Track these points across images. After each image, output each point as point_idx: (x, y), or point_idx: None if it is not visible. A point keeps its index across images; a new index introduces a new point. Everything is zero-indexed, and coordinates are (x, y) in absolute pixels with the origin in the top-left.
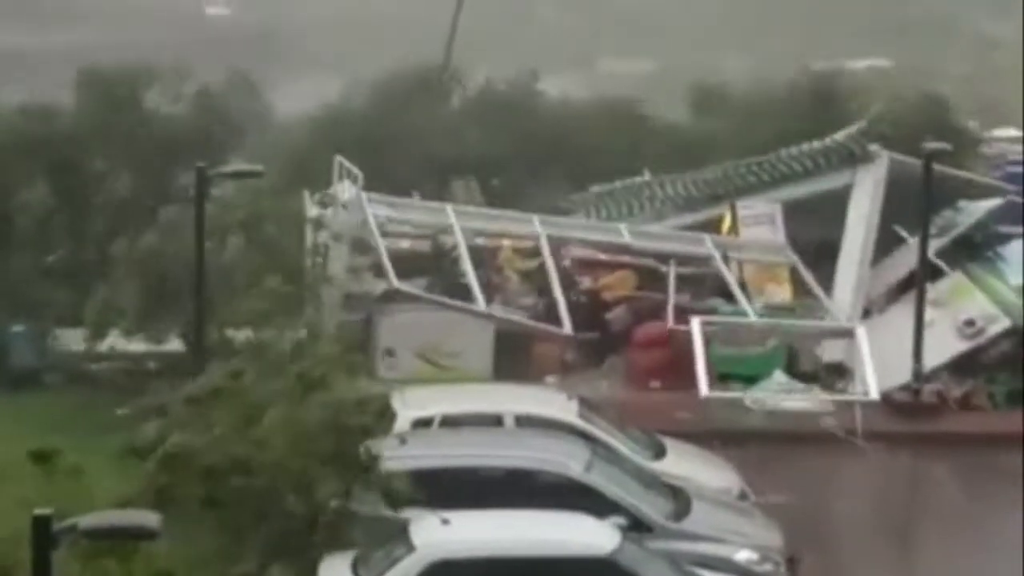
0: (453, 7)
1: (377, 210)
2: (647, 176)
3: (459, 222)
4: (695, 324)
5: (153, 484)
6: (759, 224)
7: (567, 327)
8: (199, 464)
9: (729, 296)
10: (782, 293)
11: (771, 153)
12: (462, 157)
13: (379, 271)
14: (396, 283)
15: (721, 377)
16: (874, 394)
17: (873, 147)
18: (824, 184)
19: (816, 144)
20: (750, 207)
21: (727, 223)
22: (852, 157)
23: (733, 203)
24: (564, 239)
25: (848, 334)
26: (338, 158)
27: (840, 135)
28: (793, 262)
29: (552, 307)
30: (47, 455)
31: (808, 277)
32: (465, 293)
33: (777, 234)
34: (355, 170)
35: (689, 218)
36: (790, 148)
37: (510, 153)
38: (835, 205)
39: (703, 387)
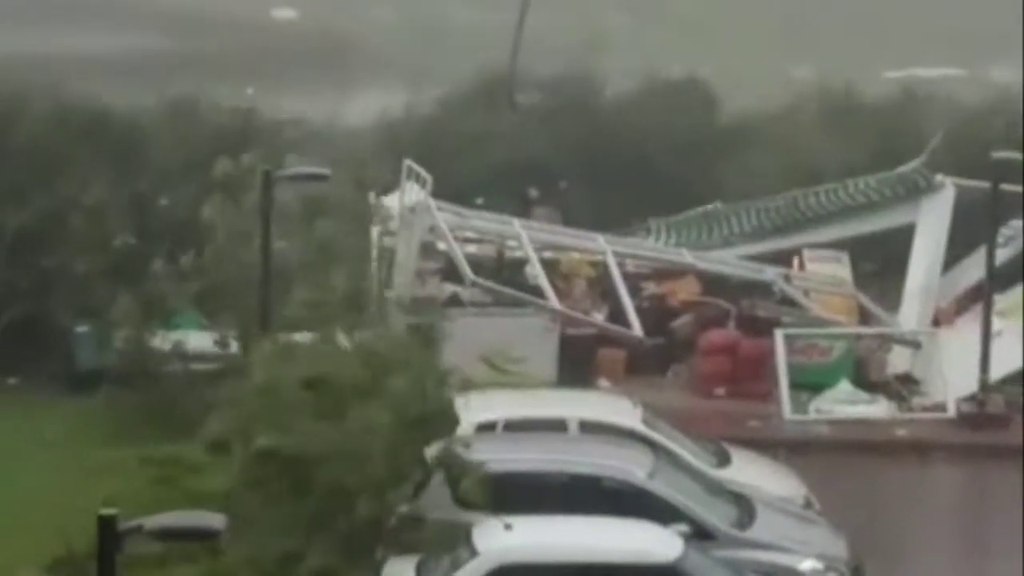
0: (519, 12)
1: (444, 218)
2: (718, 205)
3: (524, 234)
4: (778, 337)
5: (247, 478)
6: (825, 262)
7: (637, 330)
8: (291, 458)
9: (792, 307)
10: (848, 317)
11: (837, 182)
12: (526, 164)
13: (446, 275)
14: (472, 276)
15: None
16: (951, 411)
17: (938, 177)
18: (890, 217)
19: (882, 175)
20: (816, 250)
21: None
22: (917, 188)
23: (800, 249)
24: (627, 256)
25: (916, 344)
26: (407, 161)
27: (905, 167)
28: (851, 293)
29: (618, 313)
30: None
31: (873, 307)
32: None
33: (843, 272)
34: (424, 173)
35: (756, 248)
36: (856, 179)
37: (575, 160)
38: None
39: (786, 409)
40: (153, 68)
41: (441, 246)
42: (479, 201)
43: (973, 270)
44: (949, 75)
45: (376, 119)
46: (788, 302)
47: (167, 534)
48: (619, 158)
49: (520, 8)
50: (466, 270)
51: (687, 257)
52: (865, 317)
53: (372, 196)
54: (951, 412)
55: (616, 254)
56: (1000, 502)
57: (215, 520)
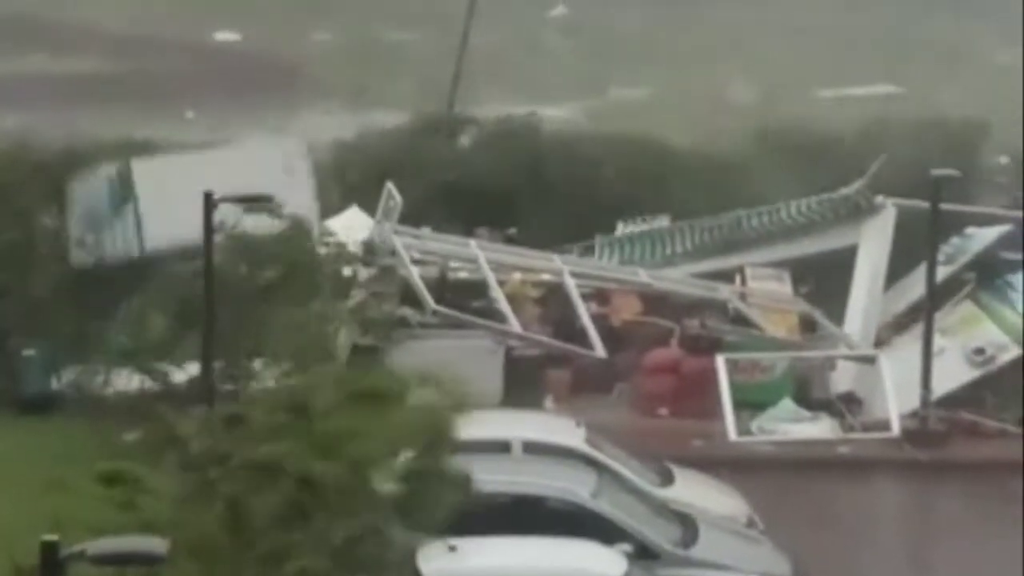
0: (460, 35)
1: (401, 240)
2: (665, 221)
3: (482, 256)
4: (720, 362)
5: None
6: (766, 280)
7: (600, 350)
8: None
9: (736, 324)
10: (792, 331)
11: (779, 203)
12: (471, 192)
13: (402, 299)
14: (434, 305)
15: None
16: (895, 430)
17: (879, 199)
18: (832, 238)
19: (823, 197)
20: (757, 268)
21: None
22: (859, 209)
23: (742, 267)
24: (583, 276)
25: (870, 360)
26: (388, 184)
27: (847, 189)
28: (805, 310)
29: (566, 334)
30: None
31: (821, 319)
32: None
33: (784, 290)
34: (398, 197)
35: (698, 267)
36: (798, 201)
37: (520, 187)
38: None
39: (731, 431)
40: (95, 91)
41: (401, 271)
42: (426, 230)
43: (913, 288)
44: (884, 93)
45: (318, 142)
46: (738, 320)
47: (110, 559)
48: (563, 181)
49: (463, 31)
50: (427, 297)
51: (642, 276)
52: (808, 326)
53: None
54: (895, 431)
55: (572, 274)
56: (945, 520)
57: (157, 545)
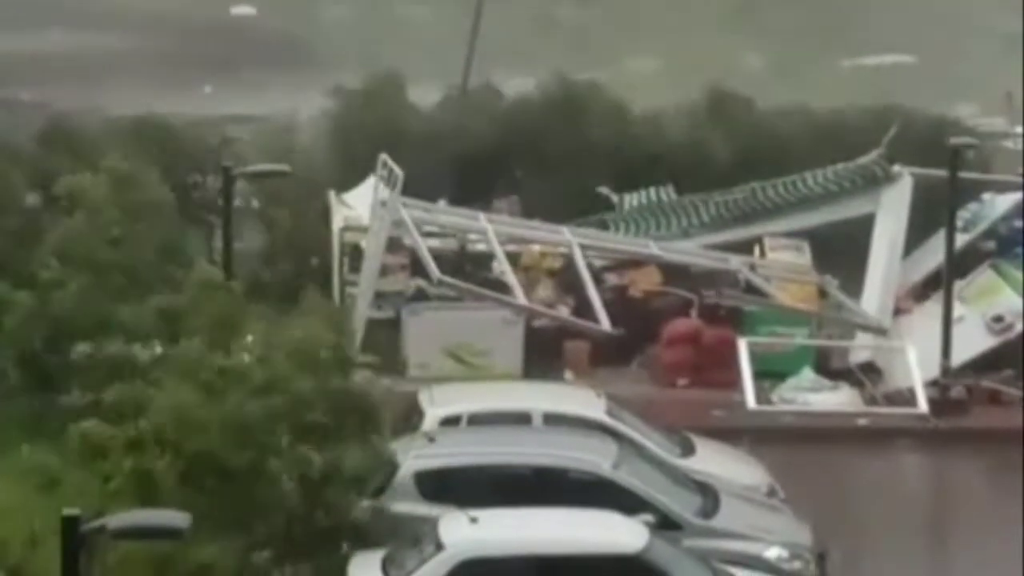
0: (474, 8)
1: (411, 213)
2: (671, 191)
3: (492, 228)
4: (742, 345)
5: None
6: (785, 250)
7: (605, 324)
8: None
9: (751, 294)
10: (809, 301)
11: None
12: (481, 157)
13: (415, 271)
14: (439, 275)
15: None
16: (922, 406)
17: (896, 168)
18: (849, 207)
19: (840, 167)
20: (776, 238)
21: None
22: (876, 179)
23: (761, 237)
24: (593, 248)
25: (884, 331)
26: (383, 156)
27: (863, 159)
28: (821, 282)
29: (584, 305)
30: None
31: (837, 292)
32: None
33: (803, 260)
34: (397, 170)
35: (715, 238)
36: (815, 171)
37: (529, 152)
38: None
39: (751, 401)
40: (110, 66)
41: (407, 241)
42: (441, 202)
43: (931, 257)
44: (900, 63)
45: (333, 115)
46: (753, 290)
47: (131, 533)
48: (572, 149)
49: (476, 4)
50: (433, 268)
51: (653, 248)
52: (822, 304)
53: (332, 192)
54: (922, 407)
55: (582, 247)
56: (965, 488)
57: (179, 519)
